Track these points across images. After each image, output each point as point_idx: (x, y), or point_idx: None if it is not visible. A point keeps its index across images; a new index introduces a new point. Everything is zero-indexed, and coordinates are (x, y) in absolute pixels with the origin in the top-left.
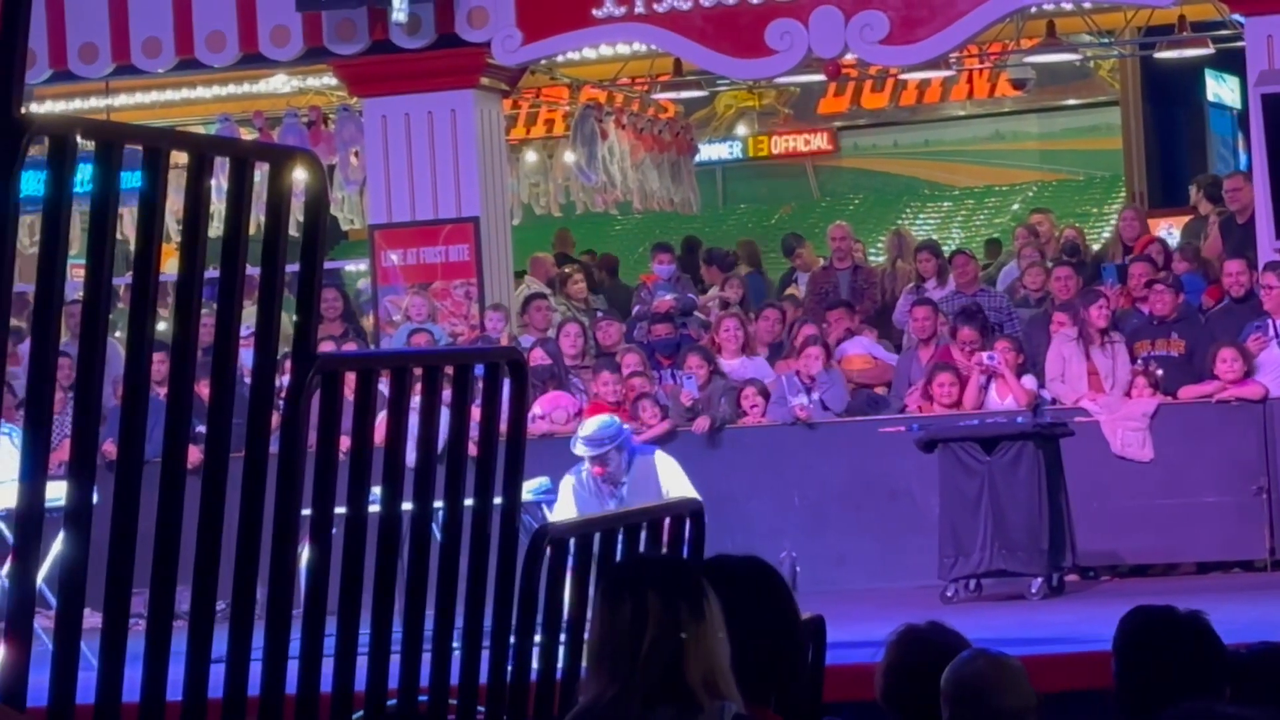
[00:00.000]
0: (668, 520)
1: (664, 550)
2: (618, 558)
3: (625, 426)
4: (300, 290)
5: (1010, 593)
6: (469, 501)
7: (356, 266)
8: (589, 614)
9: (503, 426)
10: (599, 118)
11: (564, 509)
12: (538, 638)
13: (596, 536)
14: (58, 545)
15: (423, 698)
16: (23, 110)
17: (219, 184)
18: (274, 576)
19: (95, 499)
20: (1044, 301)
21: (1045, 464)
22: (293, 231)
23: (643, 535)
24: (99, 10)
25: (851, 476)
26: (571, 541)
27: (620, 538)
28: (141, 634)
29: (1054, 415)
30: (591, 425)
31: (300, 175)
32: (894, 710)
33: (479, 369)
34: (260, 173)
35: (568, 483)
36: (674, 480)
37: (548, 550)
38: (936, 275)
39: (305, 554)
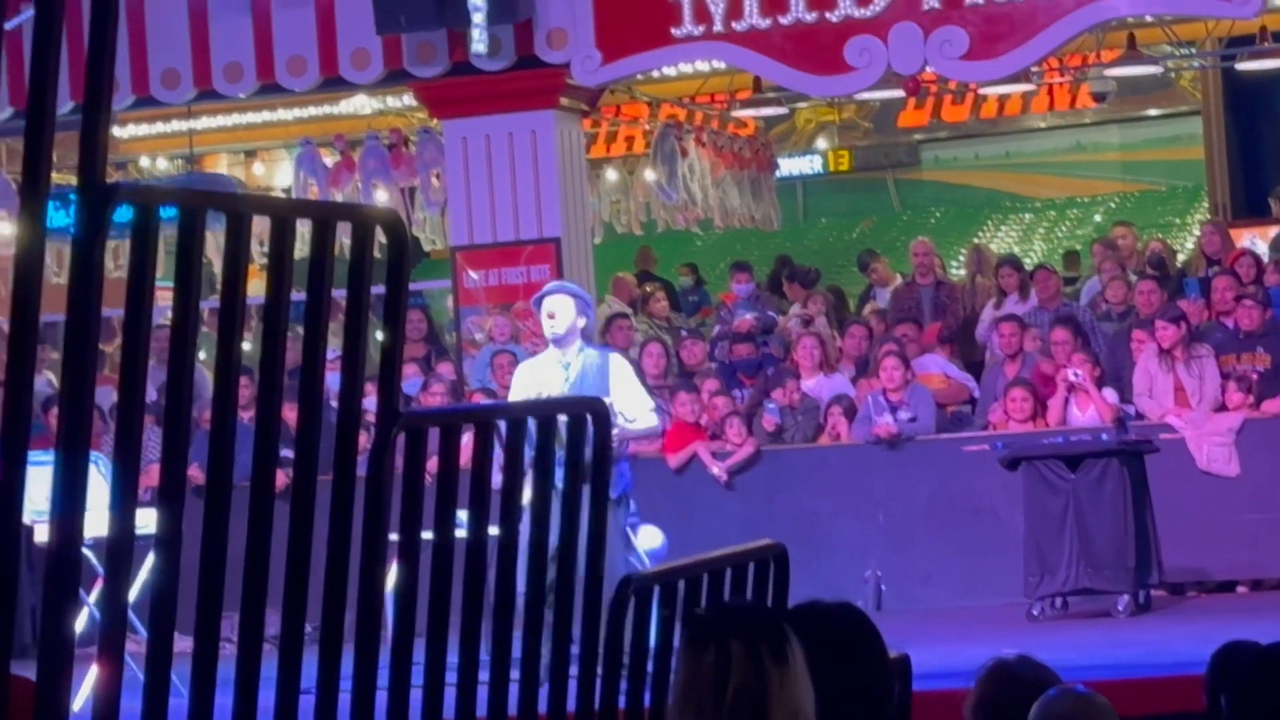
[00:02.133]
0: (752, 565)
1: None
2: (702, 604)
3: (590, 305)
4: (383, 352)
5: (1096, 610)
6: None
7: (441, 286)
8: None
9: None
10: (679, 136)
11: (515, 391)
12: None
13: (680, 583)
14: (143, 573)
15: None
16: (108, 178)
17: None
18: (362, 605)
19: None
20: (1127, 316)
21: (1130, 481)
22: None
23: (727, 580)
24: (181, 36)
25: (936, 494)
26: (655, 589)
27: (705, 584)
28: (229, 658)
29: (1139, 431)
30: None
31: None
32: None
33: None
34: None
35: (520, 368)
36: (625, 384)
37: (632, 598)
38: (1018, 290)
39: (391, 579)
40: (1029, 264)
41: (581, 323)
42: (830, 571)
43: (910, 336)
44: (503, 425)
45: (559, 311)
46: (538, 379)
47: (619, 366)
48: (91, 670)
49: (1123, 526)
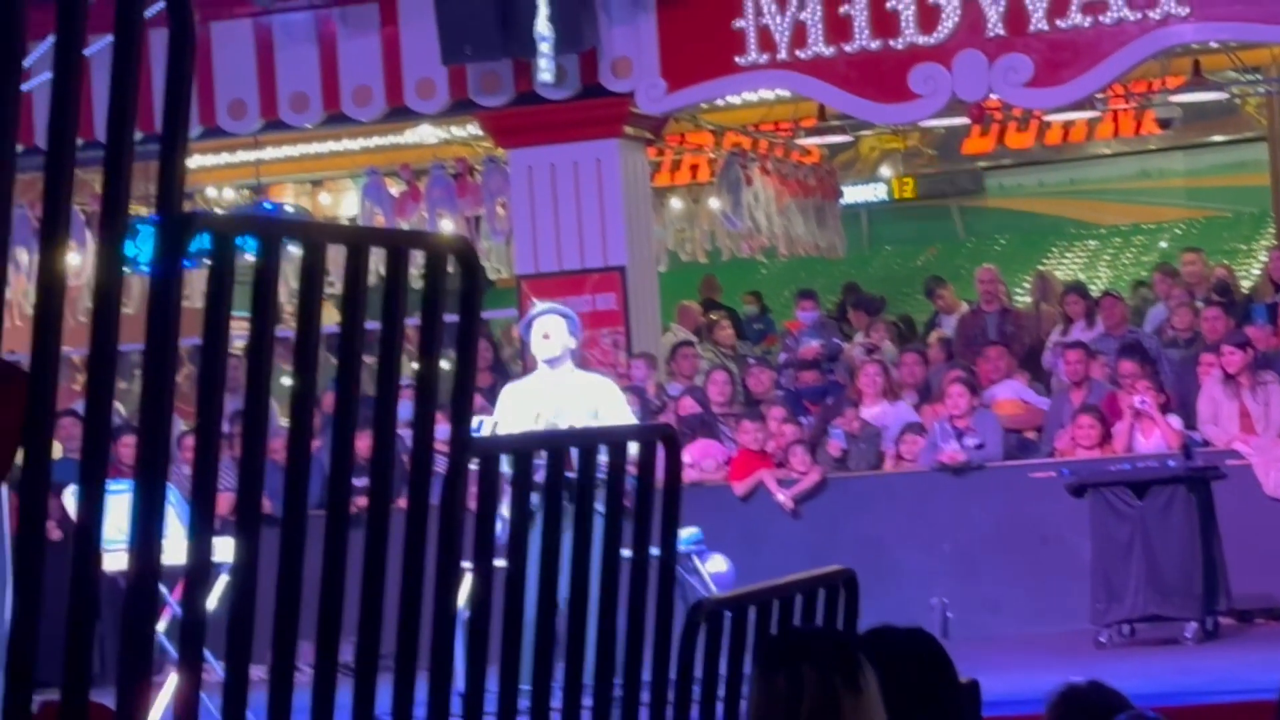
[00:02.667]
0: (822, 591)
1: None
2: (773, 630)
3: (579, 326)
4: (456, 378)
5: (1164, 637)
6: (626, 554)
7: (506, 315)
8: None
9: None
10: (743, 164)
11: (501, 414)
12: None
13: (751, 610)
14: (213, 602)
15: None
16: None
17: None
18: (436, 632)
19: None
20: (1193, 342)
21: (1198, 507)
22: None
23: (797, 606)
24: (247, 67)
25: (1002, 521)
26: (727, 615)
27: (775, 610)
28: (304, 686)
29: (1206, 458)
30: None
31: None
32: None
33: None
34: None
35: (504, 392)
36: (613, 409)
37: (703, 624)
38: (1085, 317)
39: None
40: (1094, 291)
41: (573, 344)
42: (897, 599)
43: (992, 358)
44: (574, 453)
45: (552, 332)
46: (527, 400)
47: (609, 391)
48: (164, 697)
49: (1190, 553)
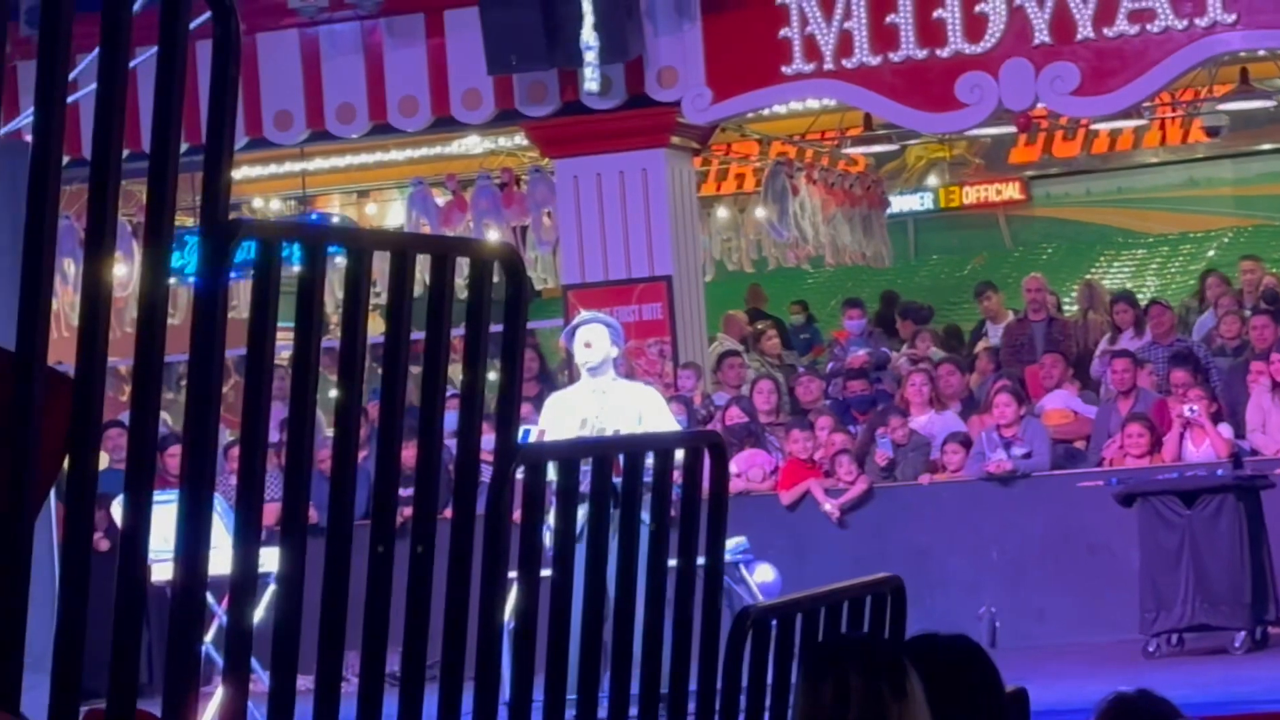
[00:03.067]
0: (869, 598)
1: (865, 629)
2: (820, 637)
3: (621, 335)
4: (501, 385)
5: (1213, 647)
6: (672, 562)
7: (552, 325)
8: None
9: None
10: (789, 174)
11: (546, 420)
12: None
13: (799, 617)
14: (260, 612)
15: None
16: (231, 215)
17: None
18: (481, 641)
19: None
20: (1241, 351)
21: (1246, 516)
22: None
23: (844, 614)
24: (293, 78)
25: (1050, 530)
26: (774, 622)
27: (822, 617)
28: (350, 696)
29: (1254, 467)
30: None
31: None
32: None
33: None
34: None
35: (548, 402)
36: (656, 415)
37: (750, 631)
38: (1133, 326)
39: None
40: (1142, 300)
41: (614, 353)
42: (944, 608)
43: (1046, 366)
44: (621, 459)
45: (594, 341)
46: (571, 409)
47: (652, 398)
48: (212, 707)
49: (1239, 562)
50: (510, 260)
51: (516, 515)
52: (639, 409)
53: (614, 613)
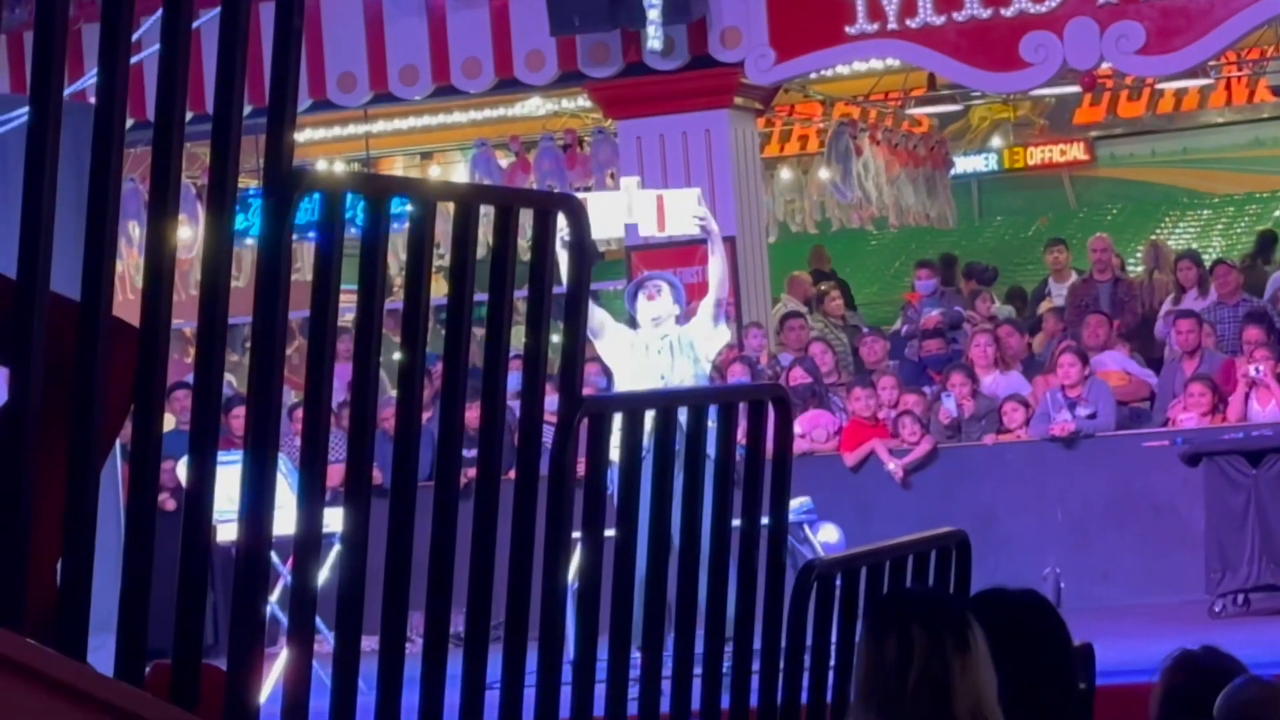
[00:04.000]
0: (934, 552)
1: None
2: (884, 591)
3: (683, 297)
4: (565, 333)
5: (1279, 607)
6: (736, 522)
7: (614, 288)
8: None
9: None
10: (853, 134)
11: (610, 335)
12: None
13: (863, 571)
14: (324, 573)
15: None
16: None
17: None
18: (546, 602)
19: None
20: None
21: None
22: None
23: (909, 568)
24: (357, 40)
25: (1115, 491)
26: (838, 576)
27: (887, 571)
28: (414, 656)
29: None
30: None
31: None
32: None
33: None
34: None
35: (627, 336)
36: (699, 320)
37: (815, 584)
38: (1197, 285)
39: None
40: (1207, 261)
41: (677, 311)
42: (1008, 569)
43: (1092, 326)
44: (682, 413)
45: (658, 295)
46: (644, 359)
47: (696, 318)
48: (276, 667)
49: None
50: (574, 210)
51: (580, 473)
52: (690, 336)
53: (678, 569)
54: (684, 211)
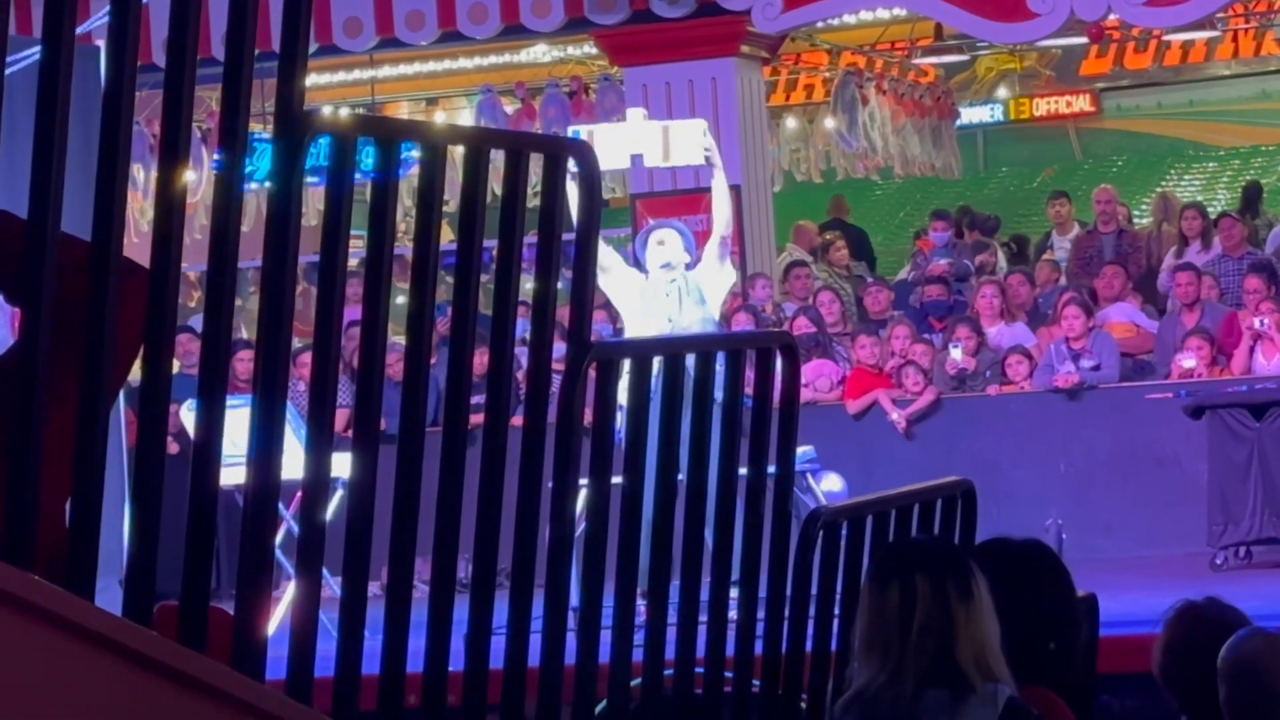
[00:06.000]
0: (939, 501)
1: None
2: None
3: (693, 245)
4: (574, 279)
5: None
6: (743, 471)
7: (619, 235)
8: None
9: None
10: (859, 84)
11: (618, 286)
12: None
13: (869, 519)
14: (329, 516)
15: (698, 669)
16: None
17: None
18: (552, 548)
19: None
20: None
21: None
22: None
23: (914, 517)
24: None
25: (1118, 443)
26: (844, 524)
27: (892, 520)
28: (420, 601)
29: None
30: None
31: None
32: (1172, 688)
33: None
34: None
35: (636, 280)
36: (706, 262)
37: (820, 533)
38: (1201, 237)
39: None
40: (1212, 213)
41: (686, 259)
42: (1011, 520)
43: (1107, 277)
44: (689, 360)
45: (668, 240)
46: (652, 303)
47: (703, 259)
48: (280, 611)
49: None
50: (584, 154)
51: (587, 420)
52: (697, 280)
53: (684, 516)
54: (690, 142)
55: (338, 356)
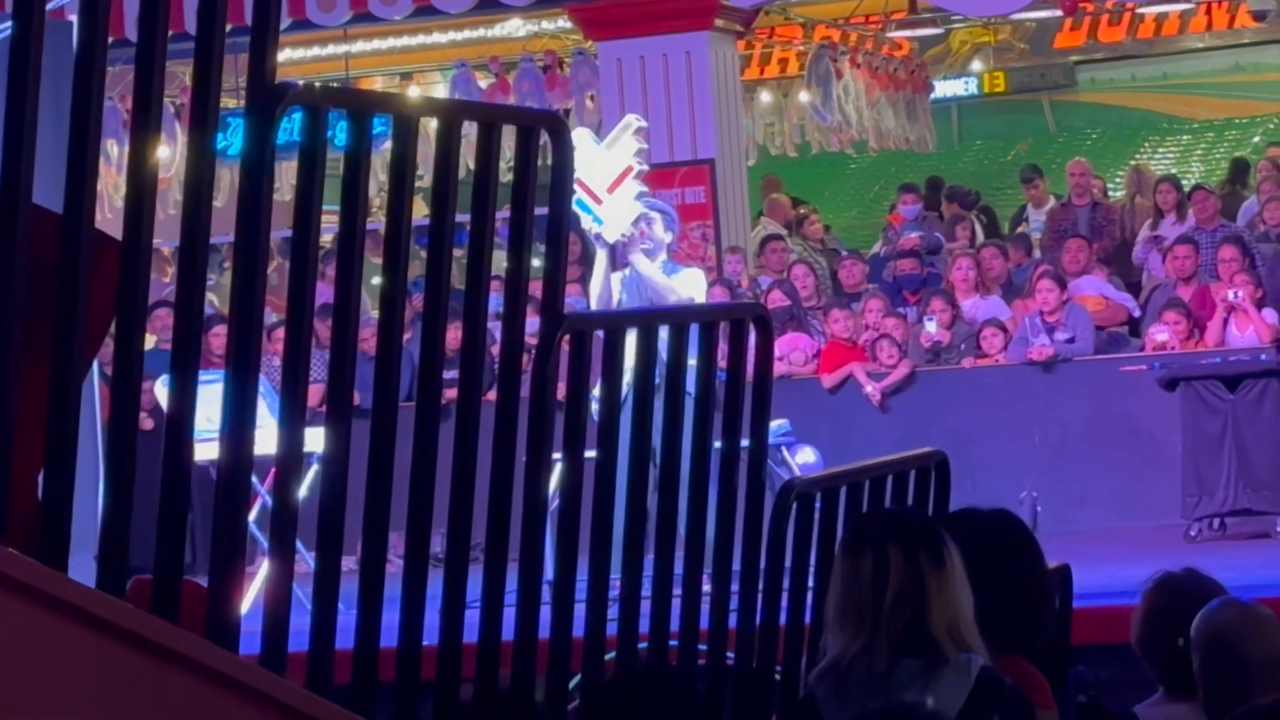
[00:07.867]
0: (913, 473)
1: (909, 502)
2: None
3: (676, 222)
4: (548, 253)
5: (1255, 531)
6: (717, 444)
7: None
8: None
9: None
10: (833, 57)
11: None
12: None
13: (843, 490)
14: (303, 491)
15: (672, 642)
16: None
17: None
18: (526, 522)
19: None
20: None
21: None
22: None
23: (888, 488)
24: None
25: (1092, 415)
26: (818, 496)
27: (866, 491)
28: (394, 576)
29: None
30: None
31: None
32: (1150, 659)
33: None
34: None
35: (617, 277)
36: (687, 281)
37: (794, 504)
38: (1175, 210)
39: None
40: (1186, 186)
41: (668, 238)
42: (986, 493)
43: (1072, 250)
44: (663, 331)
45: (650, 225)
46: (636, 287)
47: (698, 280)
48: (254, 586)
49: None
50: (556, 127)
51: (560, 394)
52: (688, 291)
53: (658, 489)
54: (624, 212)
55: (310, 331)
